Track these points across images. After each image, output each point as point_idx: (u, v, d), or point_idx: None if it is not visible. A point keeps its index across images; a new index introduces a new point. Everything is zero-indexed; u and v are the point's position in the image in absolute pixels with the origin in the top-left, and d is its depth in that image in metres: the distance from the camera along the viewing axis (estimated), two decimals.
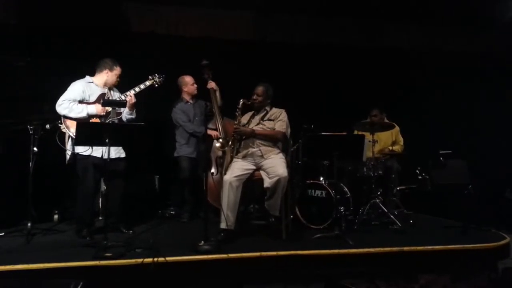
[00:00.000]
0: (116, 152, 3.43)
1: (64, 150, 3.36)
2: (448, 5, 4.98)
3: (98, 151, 3.31)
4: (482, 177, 4.11)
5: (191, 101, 4.26)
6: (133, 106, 3.49)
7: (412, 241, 3.21)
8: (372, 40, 5.52)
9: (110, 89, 3.55)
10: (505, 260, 3.24)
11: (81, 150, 3.30)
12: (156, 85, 3.66)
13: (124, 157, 3.50)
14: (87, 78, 3.50)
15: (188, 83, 4.22)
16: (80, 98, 3.37)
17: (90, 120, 3.35)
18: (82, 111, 3.32)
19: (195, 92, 4.23)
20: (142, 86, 3.57)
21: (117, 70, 3.52)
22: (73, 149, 3.32)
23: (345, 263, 2.93)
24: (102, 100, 3.36)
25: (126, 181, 3.52)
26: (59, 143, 3.33)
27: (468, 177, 3.77)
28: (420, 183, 4.08)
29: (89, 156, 3.31)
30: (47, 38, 4.48)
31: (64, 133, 3.35)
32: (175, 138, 4.23)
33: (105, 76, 3.49)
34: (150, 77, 3.64)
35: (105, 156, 3.17)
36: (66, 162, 3.37)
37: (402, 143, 4.46)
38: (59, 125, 3.34)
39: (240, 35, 5.16)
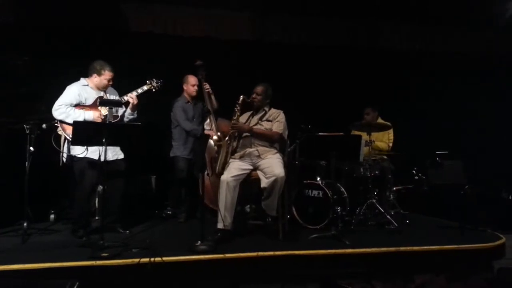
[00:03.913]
0: (114, 154, 3.41)
1: (60, 152, 3.33)
2: (446, 5, 5.00)
3: (94, 153, 3.29)
4: (478, 177, 4.13)
5: (191, 102, 4.26)
6: (136, 107, 3.49)
7: (409, 241, 3.22)
8: (370, 40, 5.54)
9: (106, 92, 3.53)
10: (500, 260, 3.26)
11: (78, 152, 3.27)
12: (154, 90, 3.64)
13: (122, 158, 3.49)
14: (82, 81, 3.47)
15: (189, 82, 4.21)
16: (76, 102, 3.35)
17: None
18: (79, 116, 3.29)
19: (194, 94, 4.21)
20: (139, 91, 3.56)
21: (106, 75, 3.44)
22: (69, 151, 3.30)
23: (341, 263, 2.94)
24: (99, 100, 3.35)
25: (126, 181, 3.51)
26: (55, 145, 3.31)
27: (464, 178, 3.79)
28: (417, 183, 4.10)
29: (85, 157, 3.29)
30: (45, 37, 4.47)
31: (60, 135, 3.34)
32: (172, 136, 4.22)
33: (95, 80, 3.46)
34: (148, 81, 3.63)
35: (103, 158, 3.17)
36: (61, 164, 3.36)
37: (391, 143, 4.48)
38: (56, 125, 3.33)
39: (238, 35, 5.16)
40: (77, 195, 3.37)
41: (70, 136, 3.21)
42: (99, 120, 3.37)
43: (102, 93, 3.49)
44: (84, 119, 3.30)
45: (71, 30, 4.55)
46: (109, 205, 3.39)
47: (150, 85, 3.63)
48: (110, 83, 3.50)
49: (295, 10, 5.19)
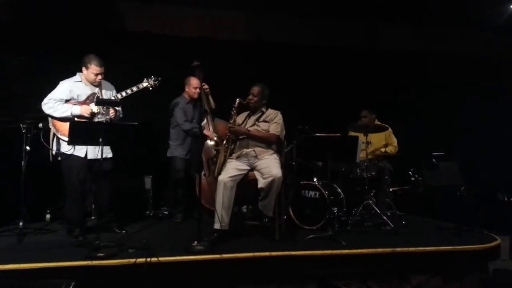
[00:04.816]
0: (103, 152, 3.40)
1: (48, 149, 3.32)
2: (446, 5, 5.00)
3: (81, 151, 3.28)
4: (475, 178, 4.13)
5: (191, 103, 4.25)
6: (116, 116, 3.45)
7: (405, 242, 3.23)
8: (370, 41, 5.54)
9: (102, 88, 3.49)
10: (495, 262, 3.27)
11: (65, 149, 3.26)
12: (151, 88, 3.63)
13: (110, 158, 3.45)
14: (76, 76, 3.44)
15: (191, 85, 4.19)
16: (67, 98, 3.33)
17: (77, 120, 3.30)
18: (66, 111, 3.27)
19: (195, 96, 4.19)
20: (135, 89, 3.54)
21: (93, 68, 3.35)
22: (58, 148, 3.30)
23: (338, 263, 2.94)
24: (96, 99, 3.34)
25: (112, 181, 3.48)
26: (43, 141, 3.30)
27: (460, 179, 3.80)
28: (413, 184, 4.10)
29: (71, 155, 3.27)
30: (41, 36, 4.45)
31: (49, 130, 3.33)
32: (170, 136, 4.22)
33: (84, 74, 3.41)
34: (145, 79, 3.61)
35: (89, 156, 3.15)
36: (51, 159, 3.35)
37: (395, 143, 4.48)
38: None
39: (236, 35, 5.15)
40: (68, 193, 3.35)
41: (58, 132, 3.22)
42: (87, 115, 3.31)
43: (96, 90, 3.45)
44: (71, 113, 3.27)
45: (67, 29, 4.53)
46: (98, 205, 3.38)
47: (148, 83, 3.61)
48: (99, 77, 3.40)
49: (294, 10, 5.19)
